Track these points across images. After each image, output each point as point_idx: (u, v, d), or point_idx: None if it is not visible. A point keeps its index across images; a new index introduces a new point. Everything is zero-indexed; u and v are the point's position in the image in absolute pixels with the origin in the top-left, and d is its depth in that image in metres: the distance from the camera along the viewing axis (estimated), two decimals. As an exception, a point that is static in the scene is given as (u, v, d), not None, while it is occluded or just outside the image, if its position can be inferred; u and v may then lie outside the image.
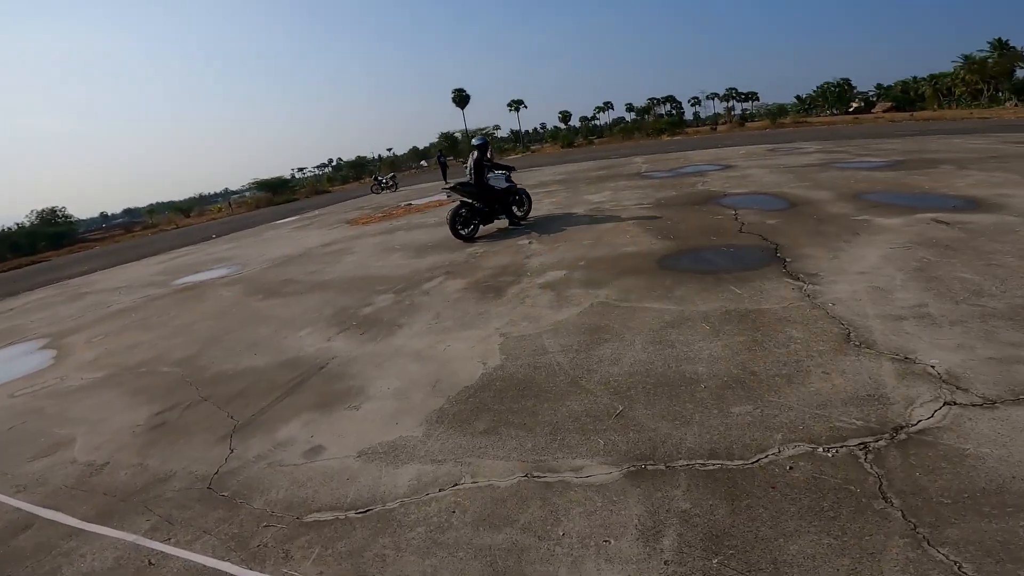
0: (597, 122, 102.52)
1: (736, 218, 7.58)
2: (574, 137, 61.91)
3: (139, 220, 54.37)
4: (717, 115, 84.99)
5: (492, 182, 9.34)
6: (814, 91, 75.54)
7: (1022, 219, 5.91)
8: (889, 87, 71.81)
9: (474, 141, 9.61)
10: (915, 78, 69.27)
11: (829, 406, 2.84)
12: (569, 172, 20.23)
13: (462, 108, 72.04)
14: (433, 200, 17.41)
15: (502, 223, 9.77)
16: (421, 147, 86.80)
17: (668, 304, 4.65)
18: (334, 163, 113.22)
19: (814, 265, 5.10)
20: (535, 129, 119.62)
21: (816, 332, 3.71)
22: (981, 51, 59.85)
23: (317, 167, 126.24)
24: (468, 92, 71.79)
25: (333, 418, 3.71)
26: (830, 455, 2.47)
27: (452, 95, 71.50)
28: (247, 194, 58.93)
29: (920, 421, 2.60)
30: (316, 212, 22.82)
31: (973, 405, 2.67)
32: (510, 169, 9.84)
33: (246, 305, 7.52)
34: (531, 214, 10.26)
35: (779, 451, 2.56)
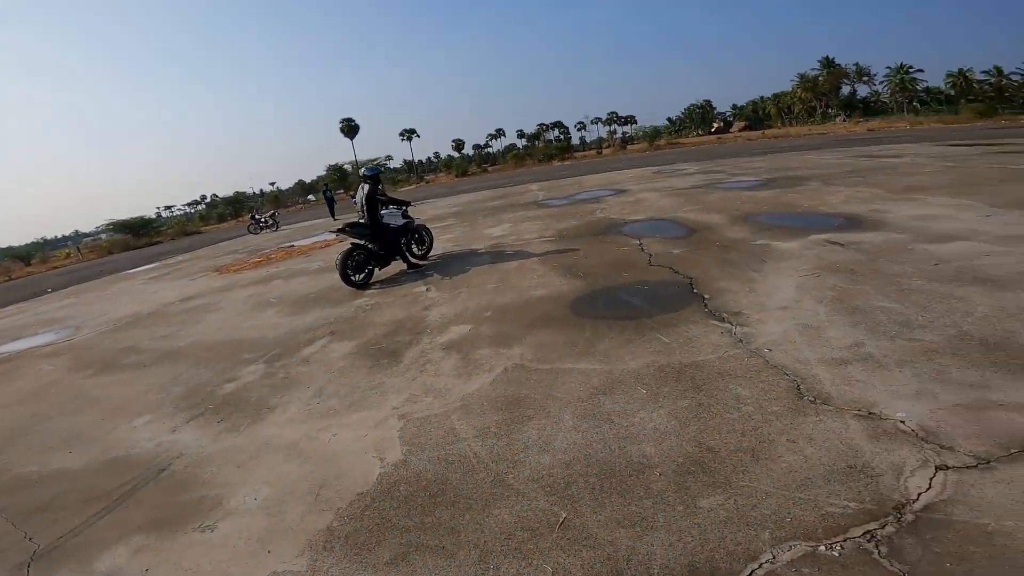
0: (490, 149, 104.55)
1: (642, 249, 7.28)
2: (468, 166, 62.20)
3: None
4: (601, 139, 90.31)
5: (387, 219, 8.34)
6: (682, 113, 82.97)
7: (908, 236, 6.11)
8: (742, 107, 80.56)
9: (364, 172, 8.31)
10: (762, 97, 78.35)
11: (811, 486, 2.35)
12: (465, 203, 19.68)
13: (351, 138, 69.67)
14: (319, 240, 15.92)
15: (399, 264, 8.80)
16: (308, 180, 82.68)
17: (593, 363, 4.02)
18: (207, 200, 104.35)
19: (734, 301, 4.77)
20: (428, 159, 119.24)
21: (764, 388, 3.25)
22: (813, 69, 69.13)
23: (188, 204, 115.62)
24: (357, 122, 69.64)
25: (177, 544, 2.77)
26: (836, 553, 1.98)
27: (340, 125, 69.00)
28: (103, 236, 52.02)
29: (920, 495, 2.20)
30: (181, 257, 20.14)
31: (968, 467, 2.31)
32: (406, 204, 8.93)
33: (69, 384, 5.94)
34: (429, 253, 9.41)
35: (773, 556, 2.01)
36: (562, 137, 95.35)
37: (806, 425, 2.80)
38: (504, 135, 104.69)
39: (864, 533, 2.05)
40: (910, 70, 63.41)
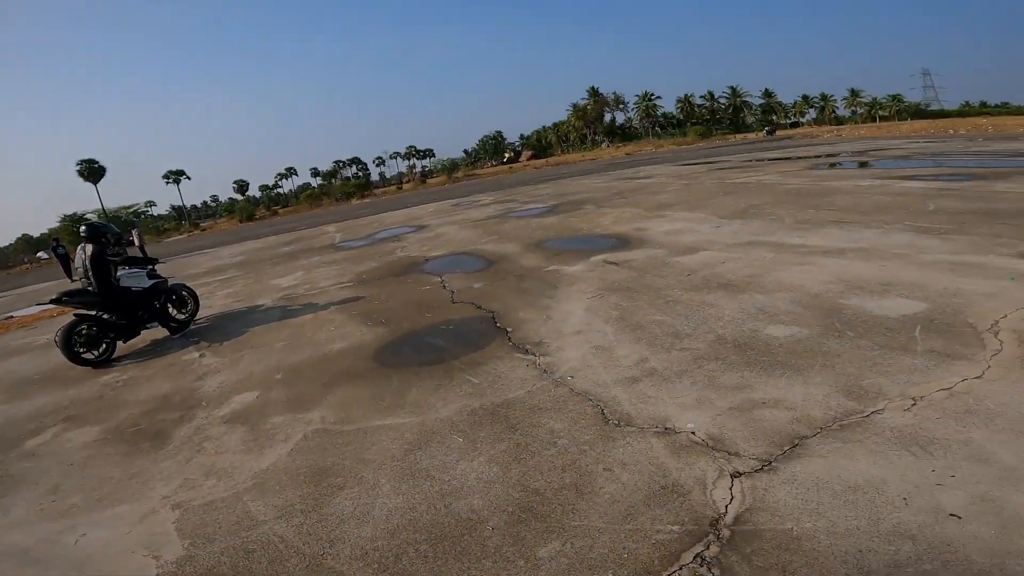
0: (280, 190, 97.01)
1: (444, 286, 7.17)
2: (254, 209, 56.67)
3: None
4: (401, 174, 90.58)
5: (127, 282, 6.82)
6: (477, 144, 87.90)
7: (664, 250, 7.05)
8: (529, 137, 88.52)
9: (83, 230, 6.73)
10: (544, 127, 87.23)
11: (636, 515, 2.36)
12: (251, 251, 17.65)
13: (94, 183, 58.19)
14: (47, 309, 12.61)
15: (157, 332, 7.26)
16: (37, 235, 66.73)
17: (404, 416, 3.70)
18: None
19: (535, 331, 4.87)
20: (205, 203, 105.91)
21: (573, 418, 3.29)
22: (583, 99, 79.30)
23: None
24: (102, 164, 58.51)
25: None
26: None
27: (79, 168, 57.24)
28: None
29: (727, 507, 2.31)
30: None
31: (756, 471, 2.51)
32: (152, 262, 7.46)
33: None
34: (201, 314, 8.00)
35: None
36: (360, 174, 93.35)
37: (616, 450, 2.87)
38: (296, 174, 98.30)
39: (695, 558, 2.08)
40: (651, 97, 76.91)
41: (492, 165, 77.13)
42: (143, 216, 65.19)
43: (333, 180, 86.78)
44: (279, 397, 4.44)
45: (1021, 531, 1.92)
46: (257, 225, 38.43)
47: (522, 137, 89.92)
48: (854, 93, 73.71)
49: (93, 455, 3.92)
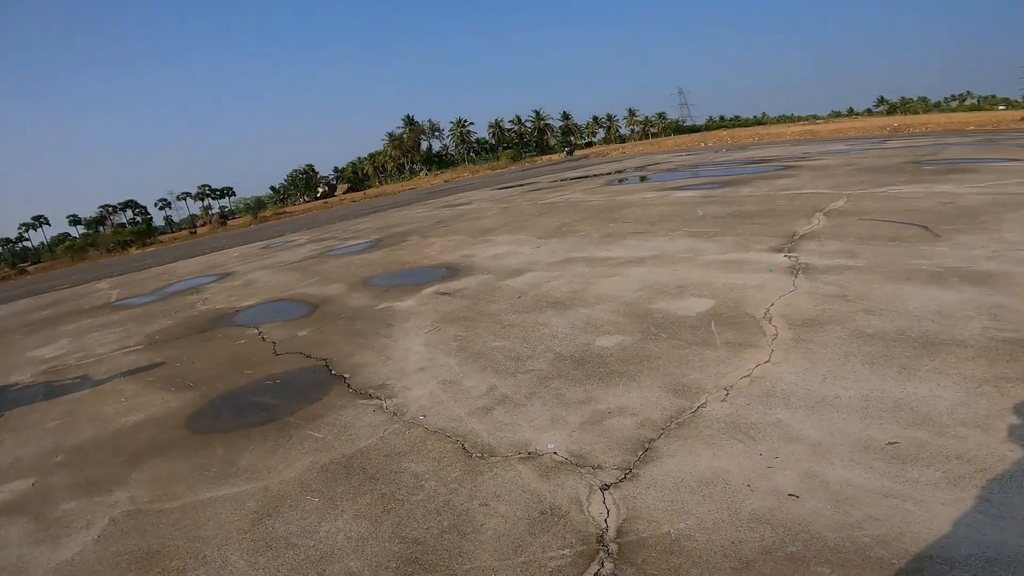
0: (28, 243, 78.46)
1: (263, 338, 6.38)
2: (-10, 269, 44.85)
3: None
4: (194, 216, 79.71)
5: None
6: (285, 180, 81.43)
7: (493, 275, 7.23)
8: (343, 169, 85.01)
9: None
10: (360, 158, 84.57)
11: (525, 547, 2.30)
12: (-12, 325, 13.79)
13: None
14: None
15: None
16: None
17: (240, 484, 3.24)
18: None
19: (376, 374, 4.57)
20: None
21: (435, 458, 3.15)
22: (399, 128, 78.90)
23: None
24: None
25: None
26: None
27: None
28: None
29: (607, 522, 2.36)
30: None
31: (620, 481, 2.61)
32: None
33: None
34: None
35: None
36: (140, 219, 79.99)
37: (487, 483, 2.80)
38: (48, 223, 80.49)
39: None
40: (465, 123, 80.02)
41: (305, 201, 72.50)
42: None
43: (101, 228, 73.08)
44: (64, 481, 3.72)
45: (851, 503, 2.22)
46: (-5, 291, 30.38)
47: (336, 170, 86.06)
48: (631, 113, 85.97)
49: None
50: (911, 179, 10.27)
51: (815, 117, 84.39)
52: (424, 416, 3.67)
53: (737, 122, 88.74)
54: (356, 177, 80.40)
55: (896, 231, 6.35)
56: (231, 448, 3.76)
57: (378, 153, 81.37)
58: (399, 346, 5.16)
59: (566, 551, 2.25)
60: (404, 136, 78.39)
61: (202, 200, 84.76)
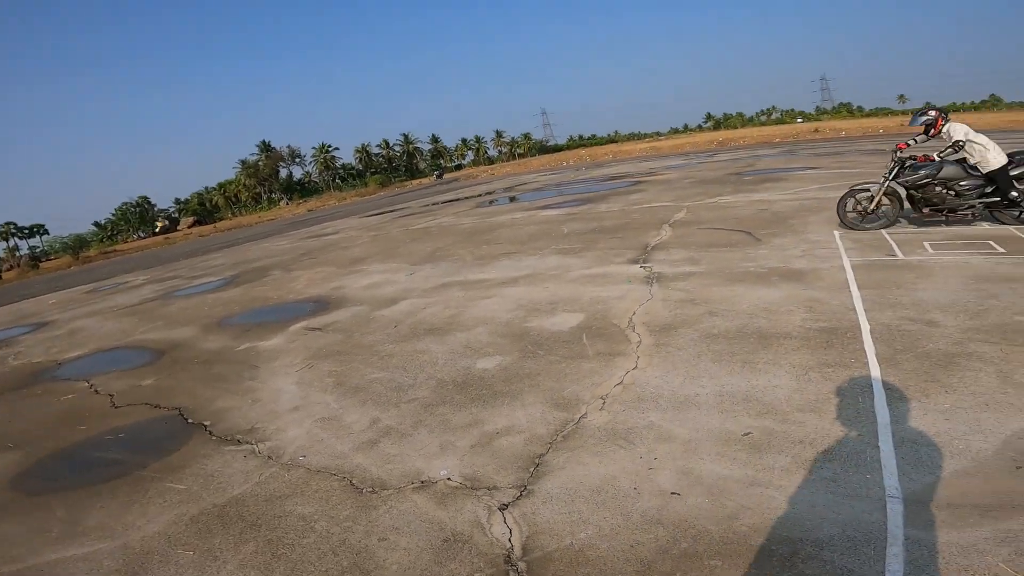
0: None
1: (96, 391, 5.47)
2: None
3: None
4: (-2, 260, 66.13)
5: None
6: (114, 214, 70.92)
7: (367, 306, 6.96)
8: (187, 201, 76.20)
9: None
10: (207, 188, 76.30)
11: None
12: None
13: None
14: None
15: None
16: None
17: (93, 543, 2.95)
18: None
19: (243, 418, 4.15)
20: None
21: (322, 497, 2.95)
22: (253, 154, 72.73)
23: None
24: None
25: None
26: None
27: None
28: None
29: (511, 540, 2.35)
30: None
31: (517, 499, 2.62)
32: None
33: None
34: None
35: None
36: (-86, 267, 64.51)
37: (383, 517, 2.68)
38: None
39: None
40: (329, 148, 76.47)
41: (139, 238, 63.92)
42: None
43: None
44: None
45: (724, 495, 2.41)
46: None
47: (178, 201, 76.87)
48: (499, 134, 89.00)
49: None
50: (735, 189, 11.90)
51: (658, 134, 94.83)
52: (304, 456, 3.42)
53: (594, 140, 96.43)
54: (204, 209, 72.75)
55: (728, 237, 7.29)
56: (74, 507, 3.33)
57: (229, 182, 74.36)
58: (268, 387, 4.73)
59: (477, 575, 2.21)
60: (260, 163, 72.68)
61: (6, 240, 70.85)
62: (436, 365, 4.51)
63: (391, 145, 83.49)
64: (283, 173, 76.22)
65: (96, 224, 71.54)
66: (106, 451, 4.07)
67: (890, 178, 6.41)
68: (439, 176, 62.18)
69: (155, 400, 4.94)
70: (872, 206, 6.57)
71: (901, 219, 6.74)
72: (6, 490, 3.74)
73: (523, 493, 2.67)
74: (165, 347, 6.89)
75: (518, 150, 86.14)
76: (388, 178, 69.55)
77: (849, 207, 6.73)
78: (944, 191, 6.14)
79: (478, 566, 2.26)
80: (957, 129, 6.03)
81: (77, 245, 50.43)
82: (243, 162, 73.08)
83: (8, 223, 70.90)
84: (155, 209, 73.09)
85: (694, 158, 24.12)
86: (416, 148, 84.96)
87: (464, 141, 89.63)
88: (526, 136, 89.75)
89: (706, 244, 7.12)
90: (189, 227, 62.67)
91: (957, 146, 6.01)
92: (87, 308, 12.09)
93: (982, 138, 5.95)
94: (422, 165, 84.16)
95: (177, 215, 73.49)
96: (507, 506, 2.59)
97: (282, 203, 66.35)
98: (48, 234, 71.82)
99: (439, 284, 7.47)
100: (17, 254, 63.29)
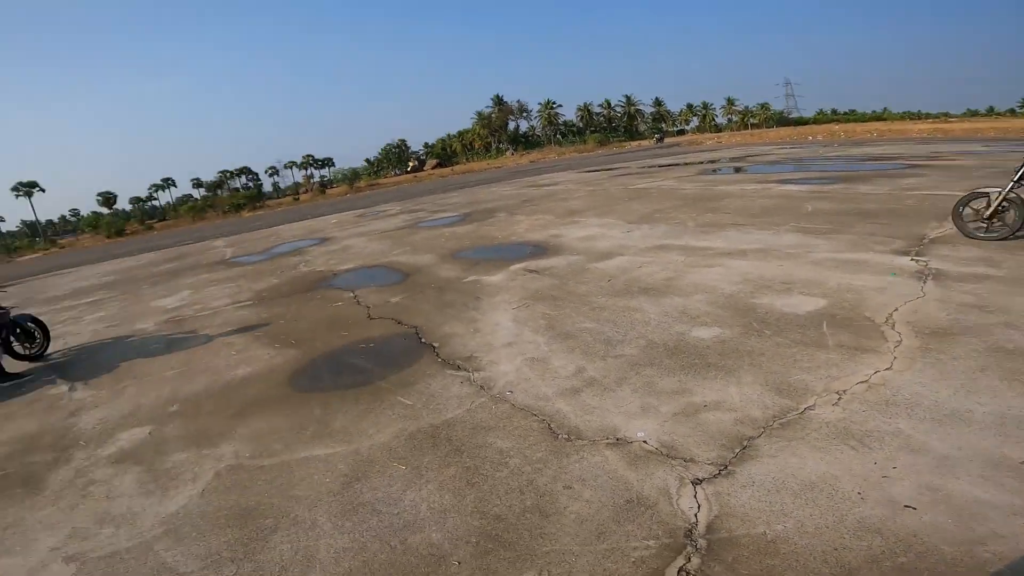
0: (156, 203, 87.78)
1: (358, 301, 6.72)
2: (124, 223, 50.66)
3: None
4: (298, 184, 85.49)
5: None
6: (379, 153, 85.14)
7: (582, 257, 7.13)
8: (433, 145, 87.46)
9: None
10: (448, 135, 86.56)
11: (608, 534, 2.26)
12: (123, 269, 15.67)
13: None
14: None
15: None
16: None
17: (333, 445, 3.36)
18: None
19: (463, 346, 4.66)
20: (63, 218, 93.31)
21: (520, 435, 3.14)
22: (487, 107, 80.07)
23: None
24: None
25: None
26: None
27: None
28: None
29: (696, 516, 2.27)
30: None
31: (714, 477, 2.50)
32: None
33: None
34: (69, 341, 6.88)
35: None
36: (252, 184, 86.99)
37: (572, 466, 2.76)
38: (175, 185, 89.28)
39: (679, 572, 2.01)
40: (553, 105, 79.56)
41: (395, 175, 75.30)
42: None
43: (219, 191, 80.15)
44: (177, 432, 3.93)
45: (975, 519, 2.02)
46: (129, 241, 34.40)
47: (426, 146, 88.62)
48: (730, 102, 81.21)
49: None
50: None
51: (946, 115, 75.12)
52: (511, 392, 3.67)
53: (852, 116, 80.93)
54: (444, 153, 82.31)
55: (1053, 240, 5.53)
56: (327, 409, 3.89)
57: (466, 131, 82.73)
58: (487, 319, 5.23)
59: (651, 542, 2.18)
60: (492, 115, 79.13)
61: (305, 169, 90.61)
62: (648, 325, 4.43)
63: (612, 106, 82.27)
64: (511, 126, 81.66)
65: (367, 160, 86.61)
66: (358, 358, 4.82)
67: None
68: (660, 139, 59.40)
69: (399, 316, 5.81)
70: (989, 213, 5.66)
71: None
72: (284, 386, 4.47)
73: (722, 472, 2.52)
74: (410, 270, 8.08)
75: (751, 119, 77.04)
76: (607, 137, 69.04)
77: (967, 215, 5.89)
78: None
79: (655, 533, 2.22)
80: None
81: (352, 177, 61.69)
82: (479, 113, 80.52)
83: (308, 156, 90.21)
84: (409, 151, 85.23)
85: (1002, 145, 18.53)
86: (637, 110, 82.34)
87: (689, 106, 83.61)
88: (763, 106, 79.45)
89: (1015, 246, 5.52)
90: (432, 168, 71.54)
91: None
92: (356, 230, 14.81)
93: None
94: (642, 127, 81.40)
95: (424, 157, 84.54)
96: (701, 481, 2.47)
97: (508, 153, 71.12)
98: (334, 166, 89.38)
99: (656, 245, 7.25)
100: (312, 181, 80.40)
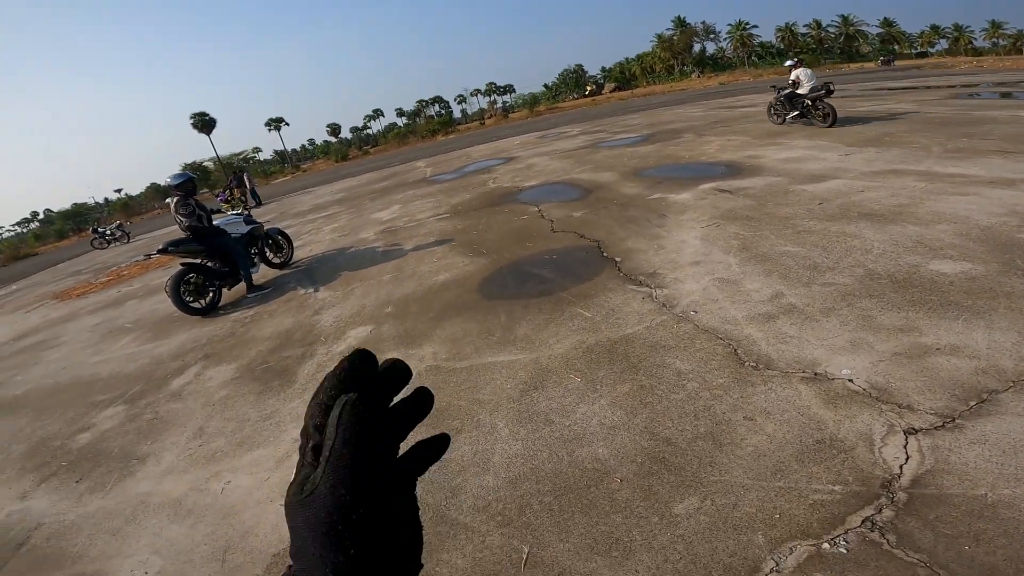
0: (369, 131, 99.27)
1: (542, 215, 7.00)
2: (347, 149, 58.54)
3: None
4: (483, 110, 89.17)
5: (227, 227, 6.96)
6: (557, 78, 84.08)
7: (785, 179, 6.37)
8: (611, 69, 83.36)
9: (169, 180, 6.66)
10: (627, 59, 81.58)
11: (787, 472, 2.12)
12: (348, 188, 18.33)
13: (207, 133, 62.39)
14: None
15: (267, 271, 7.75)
16: (163, 183, 73.62)
17: (515, 352, 3.60)
18: (41, 216, 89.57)
19: (647, 262, 4.61)
20: (303, 147, 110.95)
21: (702, 358, 3.03)
22: (668, 30, 73.30)
23: (17, 224, 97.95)
24: (212, 116, 62.31)
25: None
26: (844, 550, 1.75)
27: (192, 120, 61.22)
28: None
29: (902, 468, 2.03)
30: (14, 287, 16.86)
31: (935, 428, 2.19)
32: (247, 207, 7.77)
33: None
34: (311, 249, 8.46)
35: (777, 563, 1.76)
36: (443, 112, 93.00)
37: (757, 397, 2.60)
38: (383, 115, 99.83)
39: (863, 521, 1.84)
40: (747, 26, 69.39)
41: (574, 98, 73.61)
42: (252, 161, 70.00)
43: (417, 119, 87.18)
44: (391, 332, 4.48)
45: None
46: (351, 164, 39.76)
47: (604, 70, 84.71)
48: (995, 25, 61.95)
49: (231, 394, 4.07)
50: None
51: None
52: (695, 312, 3.54)
53: None
54: (623, 77, 77.74)
55: None
56: (512, 316, 4.09)
57: (646, 54, 76.70)
58: (672, 237, 5.07)
59: (837, 487, 2.00)
60: (674, 38, 71.78)
61: (489, 96, 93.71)
62: (869, 253, 3.87)
63: (823, 26, 67.94)
64: (696, 48, 73.41)
65: (545, 86, 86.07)
66: (541, 268, 5.04)
67: None
68: (886, 62, 47.93)
69: (581, 230, 5.91)
70: None
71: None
72: (475, 291, 4.81)
73: (947, 424, 2.17)
74: (592, 187, 8.07)
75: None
76: (817, 59, 57.90)
77: None
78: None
79: (844, 479, 2.01)
80: None
81: (532, 102, 61.94)
82: (659, 36, 73.85)
83: (490, 83, 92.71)
84: (586, 75, 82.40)
85: None
86: (858, 31, 66.73)
87: (935, 27, 65.06)
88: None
89: None
90: (611, 91, 68.29)
91: None
92: (537, 150, 15.08)
93: None
94: (865, 49, 66.14)
95: (602, 81, 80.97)
96: (917, 432, 2.17)
97: (693, 75, 64.38)
98: (515, 92, 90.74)
99: (885, 169, 6.12)
100: (495, 106, 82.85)
